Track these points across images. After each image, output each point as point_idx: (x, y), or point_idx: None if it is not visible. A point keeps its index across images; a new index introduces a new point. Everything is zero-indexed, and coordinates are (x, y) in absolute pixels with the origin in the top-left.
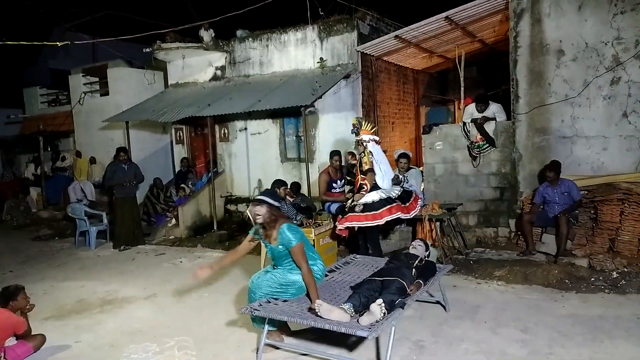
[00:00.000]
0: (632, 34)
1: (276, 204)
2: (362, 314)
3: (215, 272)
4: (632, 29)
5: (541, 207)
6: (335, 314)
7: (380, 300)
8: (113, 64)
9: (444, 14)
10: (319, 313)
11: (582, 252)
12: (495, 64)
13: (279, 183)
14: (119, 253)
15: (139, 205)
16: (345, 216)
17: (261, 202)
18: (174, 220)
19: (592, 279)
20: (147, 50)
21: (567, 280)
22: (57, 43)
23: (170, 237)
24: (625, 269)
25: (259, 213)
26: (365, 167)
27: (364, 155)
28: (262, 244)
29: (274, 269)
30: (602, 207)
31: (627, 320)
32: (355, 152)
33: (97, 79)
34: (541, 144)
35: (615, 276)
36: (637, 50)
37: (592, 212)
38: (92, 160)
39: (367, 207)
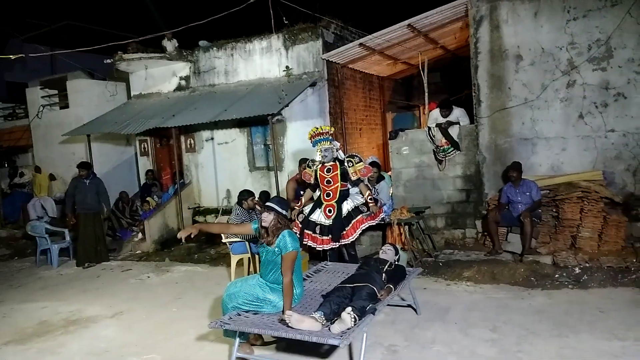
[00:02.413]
0: (585, 39)
1: (285, 212)
2: (334, 322)
3: (199, 229)
4: (584, 34)
5: (507, 207)
6: (306, 324)
7: (349, 309)
8: (72, 76)
9: (406, 22)
10: (289, 324)
11: (546, 249)
12: (458, 70)
13: (245, 194)
14: (82, 271)
15: (104, 220)
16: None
17: (270, 209)
18: (140, 235)
19: (557, 276)
20: (108, 61)
21: (532, 278)
22: (11, 56)
23: (137, 252)
24: (587, 264)
25: (267, 219)
26: (355, 177)
27: (352, 165)
28: (232, 255)
29: (259, 279)
30: (563, 205)
31: (590, 314)
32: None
33: (56, 92)
34: (504, 146)
35: (577, 272)
36: (590, 54)
37: (554, 210)
38: (52, 177)
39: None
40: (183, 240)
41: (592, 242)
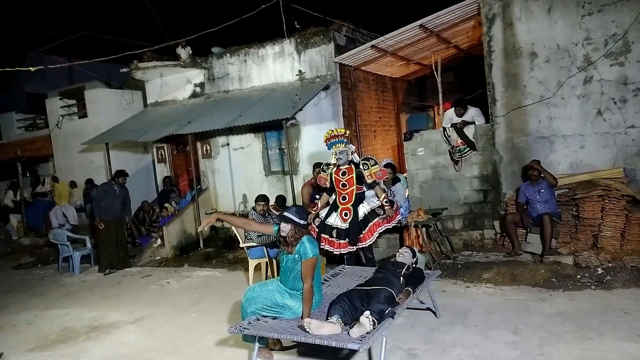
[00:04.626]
0: (601, 34)
1: (302, 222)
2: (353, 326)
3: (217, 218)
4: (600, 30)
5: (525, 206)
6: (325, 329)
7: (368, 312)
8: (90, 86)
9: (418, 22)
10: (309, 331)
11: (567, 249)
12: (472, 69)
13: (259, 199)
14: (104, 277)
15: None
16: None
17: (287, 220)
18: (159, 241)
19: (578, 276)
20: (124, 70)
21: (554, 279)
22: (31, 68)
23: (157, 258)
24: (610, 264)
25: (285, 230)
26: (370, 180)
27: (367, 168)
28: (250, 260)
29: (279, 285)
30: (583, 204)
31: (614, 316)
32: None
33: (74, 102)
34: (520, 145)
35: (600, 272)
36: (607, 50)
37: (574, 209)
38: (73, 184)
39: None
40: (202, 230)
41: (614, 242)
